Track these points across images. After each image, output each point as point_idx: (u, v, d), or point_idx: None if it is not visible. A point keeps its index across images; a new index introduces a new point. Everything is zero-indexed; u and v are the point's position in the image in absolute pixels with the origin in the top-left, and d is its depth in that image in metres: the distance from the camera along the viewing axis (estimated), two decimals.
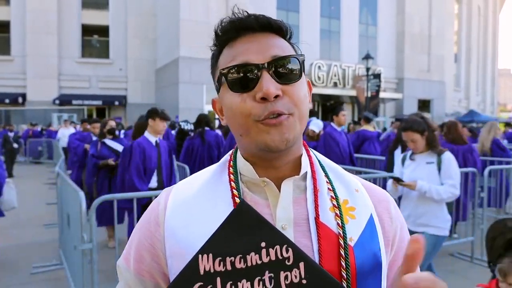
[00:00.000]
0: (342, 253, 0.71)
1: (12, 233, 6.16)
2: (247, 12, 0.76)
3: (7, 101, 21.92)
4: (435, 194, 3.18)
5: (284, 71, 0.73)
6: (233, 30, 0.76)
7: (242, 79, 0.72)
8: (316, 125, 6.59)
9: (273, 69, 0.72)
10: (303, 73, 0.77)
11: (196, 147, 5.89)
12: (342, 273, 0.70)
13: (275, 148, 0.72)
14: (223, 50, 0.78)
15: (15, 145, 12.99)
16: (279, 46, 0.75)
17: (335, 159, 5.18)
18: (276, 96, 0.70)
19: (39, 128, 18.13)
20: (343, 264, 0.71)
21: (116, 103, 23.50)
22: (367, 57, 17.40)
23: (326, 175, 0.82)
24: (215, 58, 0.81)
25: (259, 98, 0.70)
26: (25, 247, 5.38)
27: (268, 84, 0.70)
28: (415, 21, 26.46)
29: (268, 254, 0.60)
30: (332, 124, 5.86)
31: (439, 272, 4.48)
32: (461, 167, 5.16)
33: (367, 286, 0.73)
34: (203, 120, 6.10)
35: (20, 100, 22.17)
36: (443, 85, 27.91)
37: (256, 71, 0.71)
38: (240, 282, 0.59)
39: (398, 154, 5.04)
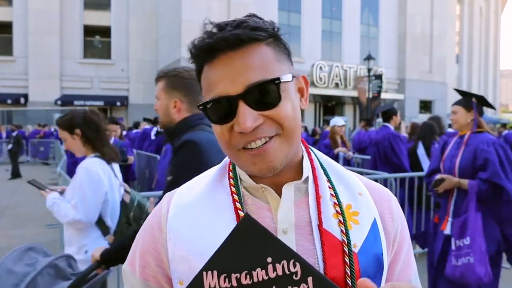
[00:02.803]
0: (347, 260, 0.71)
1: (14, 233, 6.17)
2: (219, 25, 0.72)
3: (9, 101, 21.98)
4: (57, 213, 2.39)
5: (261, 98, 0.69)
6: (205, 53, 0.72)
7: (219, 112, 0.71)
8: (336, 121, 6.53)
9: (249, 98, 0.68)
10: (286, 85, 0.73)
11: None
12: (347, 280, 0.70)
13: (262, 175, 0.73)
14: (203, 67, 0.75)
15: (9, 146, 12.98)
16: (255, 67, 0.69)
17: (397, 161, 5.25)
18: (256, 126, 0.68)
19: (52, 129, 17.67)
20: (348, 272, 0.70)
21: (118, 103, 23.53)
22: (369, 58, 17.40)
23: (329, 179, 0.81)
24: (197, 74, 0.78)
25: (238, 132, 0.69)
26: None
27: (245, 118, 0.67)
28: (416, 22, 26.44)
29: (275, 269, 0.59)
30: (389, 125, 5.55)
31: None
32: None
33: None
34: None
35: (22, 100, 22.23)
36: (445, 86, 27.87)
37: (232, 103, 0.69)
38: None
39: (422, 153, 5.08)
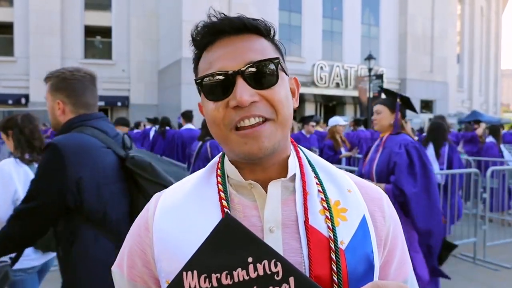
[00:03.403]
0: (333, 257, 0.70)
1: None
2: (224, 14, 0.75)
3: (10, 102, 22.00)
4: None
5: (260, 76, 0.71)
6: (208, 35, 0.74)
7: (217, 88, 0.71)
8: (338, 121, 6.50)
9: (248, 75, 0.70)
10: (283, 73, 0.75)
11: (159, 141, 7.83)
12: (333, 277, 0.69)
13: (253, 157, 0.71)
14: (202, 54, 0.77)
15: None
16: (255, 49, 0.72)
17: None
18: (252, 102, 0.69)
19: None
20: (334, 268, 0.69)
21: (119, 104, 23.54)
22: (370, 57, 17.38)
23: (317, 176, 0.80)
24: (195, 62, 0.80)
25: (233, 106, 0.69)
26: None
27: (242, 91, 0.68)
28: (417, 22, 26.40)
29: (256, 269, 0.58)
30: None
31: None
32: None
33: None
34: (164, 122, 8.14)
35: (23, 101, 22.24)
36: (446, 86, 27.83)
37: (230, 78, 0.70)
38: None
39: (432, 153, 5.15)
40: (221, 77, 0.70)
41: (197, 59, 0.79)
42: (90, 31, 24.09)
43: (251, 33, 0.74)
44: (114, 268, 0.85)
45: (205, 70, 0.74)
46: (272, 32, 0.78)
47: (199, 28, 0.75)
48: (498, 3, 43.71)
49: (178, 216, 0.76)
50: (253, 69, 0.70)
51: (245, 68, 0.70)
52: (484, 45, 39.95)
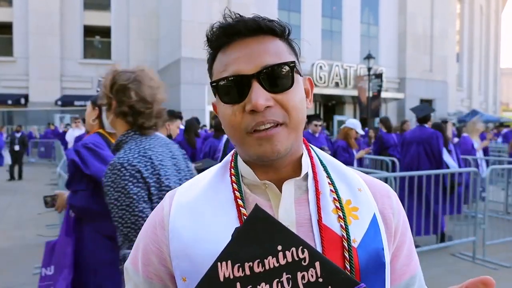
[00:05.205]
0: (346, 255, 0.72)
1: (15, 233, 6.18)
2: (239, 15, 0.75)
3: (9, 102, 21.99)
4: None
5: (275, 80, 0.72)
6: (224, 36, 0.75)
7: (232, 91, 0.72)
8: (357, 126, 6.44)
9: (263, 79, 0.71)
10: (298, 75, 0.77)
11: None
12: None
13: (267, 158, 0.73)
14: (217, 55, 0.78)
15: (17, 147, 13.03)
16: (271, 52, 0.73)
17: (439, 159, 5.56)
18: (267, 107, 0.70)
19: (60, 130, 17.06)
20: (348, 266, 0.71)
21: None
22: (369, 57, 17.36)
23: (328, 176, 0.81)
24: (210, 63, 0.81)
25: (249, 110, 0.70)
26: (27, 247, 5.38)
27: (258, 95, 0.69)
28: (417, 21, 26.41)
29: (285, 256, 0.62)
30: (426, 125, 5.87)
31: (441, 272, 4.48)
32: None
33: (371, 285, 0.73)
34: None
35: (22, 101, 22.24)
36: (446, 85, 27.85)
37: (246, 82, 0.71)
38: (260, 286, 0.61)
39: (444, 151, 5.45)
40: (236, 80, 0.72)
41: (211, 60, 0.80)
42: (89, 31, 24.10)
43: (266, 34, 0.75)
44: (127, 265, 0.86)
45: (220, 72, 0.75)
46: (287, 33, 0.79)
47: (214, 29, 0.76)
48: (497, 2, 43.73)
49: (194, 214, 0.77)
50: (269, 73, 0.71)
51: (260, 72, 0.71)
52: (484, 44, 39.97)
